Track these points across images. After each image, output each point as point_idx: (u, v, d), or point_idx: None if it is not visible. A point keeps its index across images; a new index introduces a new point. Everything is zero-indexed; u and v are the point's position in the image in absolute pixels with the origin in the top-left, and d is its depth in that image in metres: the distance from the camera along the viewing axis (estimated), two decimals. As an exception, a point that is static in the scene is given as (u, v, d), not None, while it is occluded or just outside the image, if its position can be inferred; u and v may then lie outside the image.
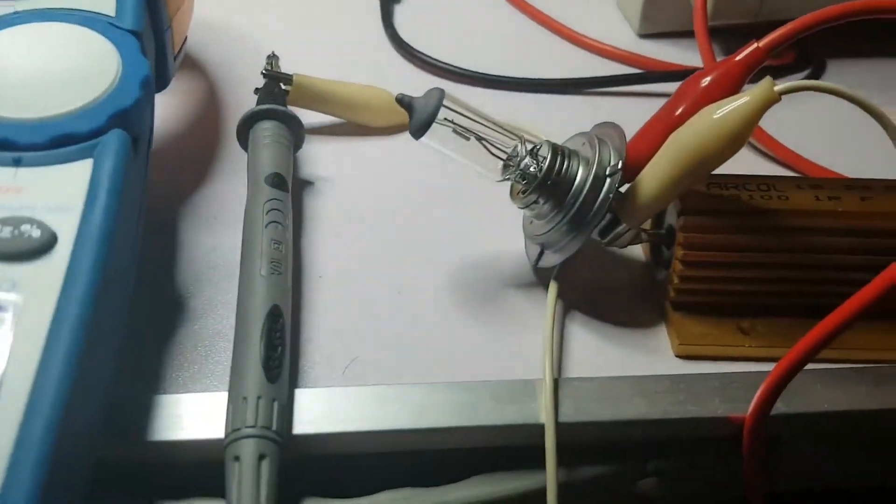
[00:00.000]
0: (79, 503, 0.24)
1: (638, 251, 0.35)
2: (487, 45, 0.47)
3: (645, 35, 0.48)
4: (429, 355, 0.30)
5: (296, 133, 0.36)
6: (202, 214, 0.35)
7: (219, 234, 0.34)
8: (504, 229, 0.35)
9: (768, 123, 0.41)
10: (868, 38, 0.47)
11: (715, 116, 0.29)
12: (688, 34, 0.47)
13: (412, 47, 0.45)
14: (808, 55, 0.47)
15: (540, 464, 0.28)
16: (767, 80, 0.28)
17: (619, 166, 0.30)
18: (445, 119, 0.30)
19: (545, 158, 0.31)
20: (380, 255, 0.34)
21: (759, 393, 0.28)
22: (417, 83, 0.43)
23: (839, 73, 0.47)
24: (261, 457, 0.24)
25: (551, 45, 0.48)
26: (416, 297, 0.33)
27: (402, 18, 0.48)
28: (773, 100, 0.28)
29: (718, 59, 0.36)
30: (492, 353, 0.31)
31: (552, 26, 0.48)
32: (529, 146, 0.31)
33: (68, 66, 0.28)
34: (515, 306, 0.32)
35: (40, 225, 0.24)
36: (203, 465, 0.27)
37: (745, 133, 0.28)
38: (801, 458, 0.32)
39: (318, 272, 0.33)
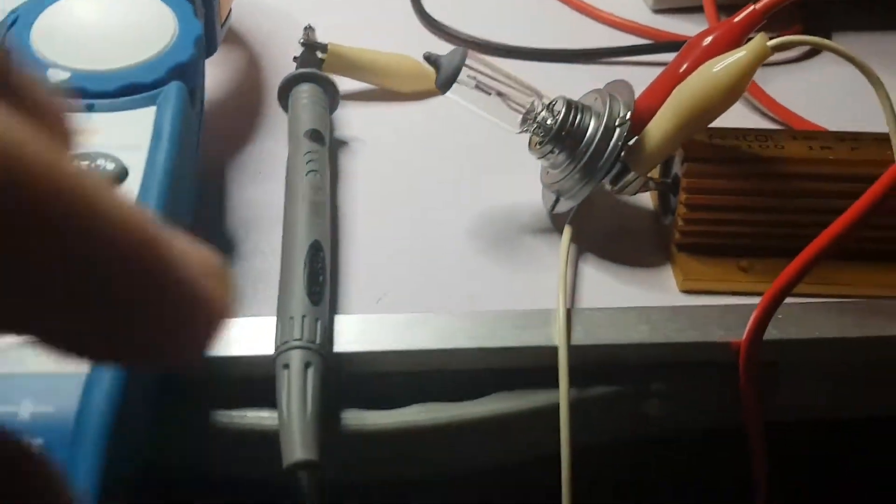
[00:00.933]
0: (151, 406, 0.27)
1: (647, 201, 0.38)
2: (506, 18, 0.50)
3: (659, 10, 0.51)
4: (454, 291, 0.33)
5: (331, 95, 0.39)
6: (248, 171, 0.39)
7: (263, 188, 0.37)
8: (521, 183, 0.38)
9: (773, 90, 0.44)
10: (871, 13, 0.50)
11: (714, 70, 0.32)
12: (700, 9, 0.49)
13: (436, 20, 0.48)
14: (811, 30, 0.49)
15: (553, 384, 0.31)
16: (761, 35, 0.31)
17: (628, 117, 0.33)
18: (468, 76, 0.34)
19: (560, 112, 0.34)
20: (409, 206, 0.37)
21: (753, 317, 0.31)
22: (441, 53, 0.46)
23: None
24: (307, 365, 0.28)
25: (568, 18, 0.51)
26: (443, 242, 0.36)
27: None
28: (765, 53, 0.31)
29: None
30: (511, 290, 0.34)
31: (569, 1, 0.51)
32: (546, 101, 0.34)
33: (132, 26, 0.31)
34: (533, 249, 0.36)
35: (114, 160, 0.27)
36: (250, 380, 0.30)
37: (741, 84, 0.31)
38: (797, 391, 0.35)
39: (352, 220, 0.36)
